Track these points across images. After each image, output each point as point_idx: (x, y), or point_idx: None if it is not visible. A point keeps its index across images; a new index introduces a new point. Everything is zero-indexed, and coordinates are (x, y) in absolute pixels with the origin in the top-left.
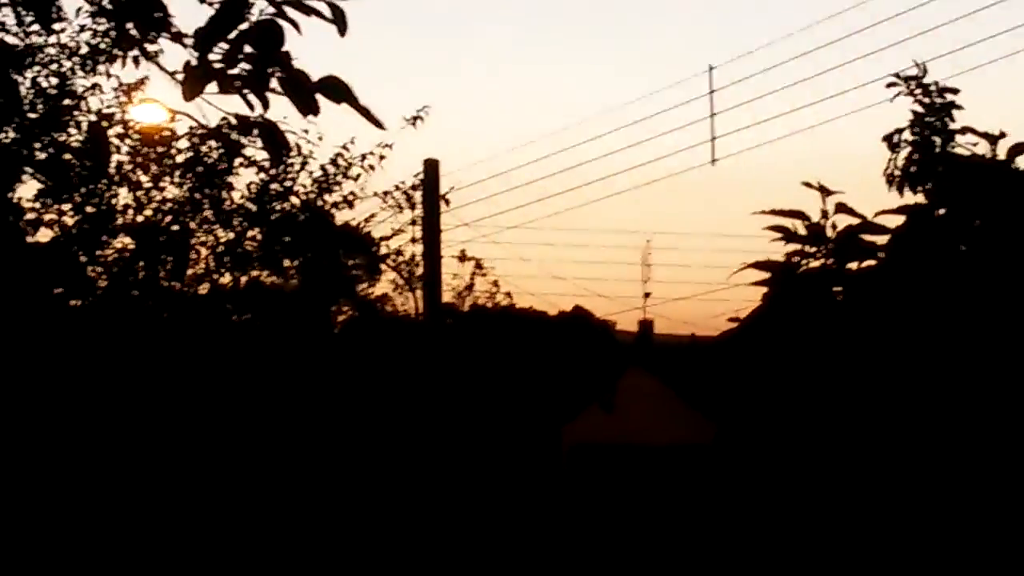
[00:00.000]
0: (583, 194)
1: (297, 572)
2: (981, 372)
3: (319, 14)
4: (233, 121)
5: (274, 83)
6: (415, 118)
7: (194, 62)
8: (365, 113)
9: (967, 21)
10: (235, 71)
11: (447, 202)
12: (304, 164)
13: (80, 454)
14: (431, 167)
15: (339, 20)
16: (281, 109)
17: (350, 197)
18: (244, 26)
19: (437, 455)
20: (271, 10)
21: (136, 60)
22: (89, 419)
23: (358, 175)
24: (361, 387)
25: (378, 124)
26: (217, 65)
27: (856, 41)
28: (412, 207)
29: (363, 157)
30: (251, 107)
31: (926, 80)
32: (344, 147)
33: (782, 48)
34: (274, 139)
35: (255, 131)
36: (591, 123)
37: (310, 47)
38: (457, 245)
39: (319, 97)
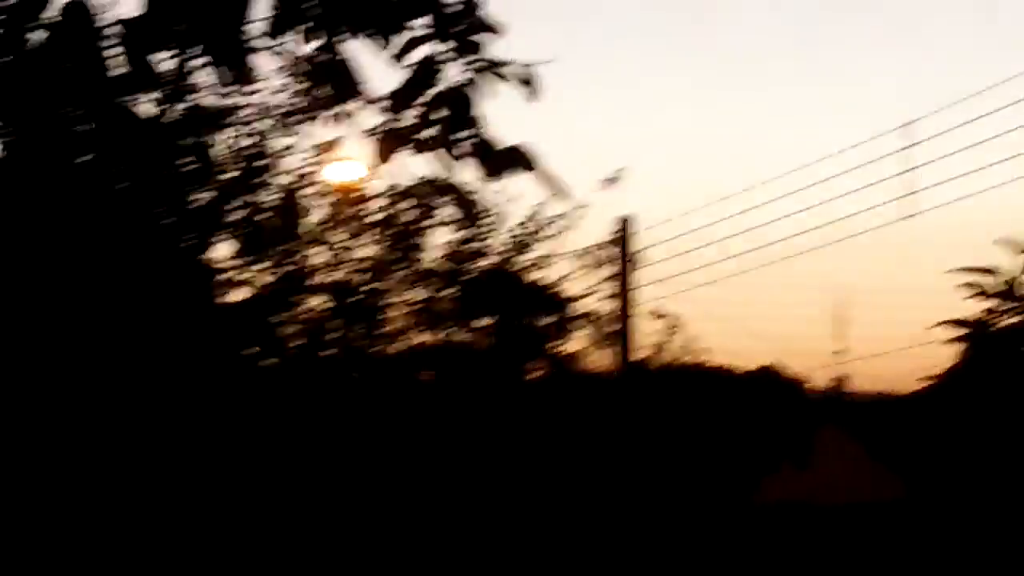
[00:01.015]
0: (779, 250)
1: None
2: None
3: (510, 79)
4: (425, 186)
5: (465, 146)
6: (611, 180)
7: (386, 123)
8: (552, 182)
9: None
10: (427, 133)
11: (640, 260)
12: (498, 224)
13: (277, 517)
14: (624, 224)
15: (530, 85)
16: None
17: (544, 259)
18: (435, 89)
19: (631, 511)
20: (465, 74)
21: (331, 121)
22: (281, 481)
23: (553, 235)
24: (554, 443)
25: (564, 194)
26: (409, 127)
27: None
28: (605, 264)
29: (558, 217)
30: (450, 168)
31: None
32: (537, 208)
33: (983, 102)
34: (466, 202)
35: (448, 194)
36: (790, 178)
37: (501, 99)
38: (651, 301)
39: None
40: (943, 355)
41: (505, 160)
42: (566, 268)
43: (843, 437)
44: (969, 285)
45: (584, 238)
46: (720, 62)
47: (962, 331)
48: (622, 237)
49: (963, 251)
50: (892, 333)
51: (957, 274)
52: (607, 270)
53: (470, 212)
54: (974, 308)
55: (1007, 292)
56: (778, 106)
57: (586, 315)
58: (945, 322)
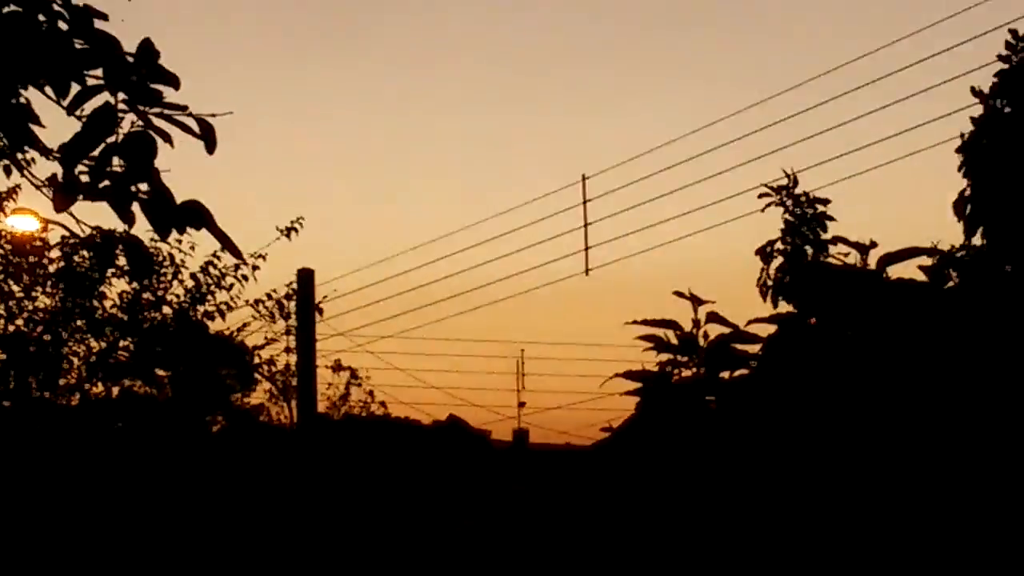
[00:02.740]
0: (458, 303)
1: None
2: (851, 481)
3: (188, 130)
4: (99, 237)
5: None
6: (289, 229)
7: (63, 173)
8: (224, 240)
9: (837, 133)
10: (104, 184)
11: (321, 312)
12: (176, 274)
13: None
14: (305, 276)
15: (207, 137)
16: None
17: (223, 307)
18: (112, 139)
19: (310, 566)
20: (141, 123)
21: (7, 169)
22: None
23: (231, 285)
24: (234, 496)
25: (237, 253)
26: (84, 178)
27: (730, 151)
28: (286, 316)
29: (236, 267)
30: (124, 220)
31: (797, 190)
32: (215, 255)
33: (656, 158)
34: (138, 256)
35: (119, 247)
36: (466, 233)
37: (180, 157)
38: (332, 355)
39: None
40: (625, 407)
41: (178, 216)
42: (246, 319)
43: (524, 490)
44: (647, 338)
45: (265, 289)
46: (405, 114)
47: (638, 384)
48: (303, 289)
49: (644, 304)
50: (572, 386)
51: (635, 327)
52: (288, 322)
53: (143, 265)
54: (655, 360)
55: (684, 344)
56: (459, 161)
57: (267, 367)
58: (621, 374)
